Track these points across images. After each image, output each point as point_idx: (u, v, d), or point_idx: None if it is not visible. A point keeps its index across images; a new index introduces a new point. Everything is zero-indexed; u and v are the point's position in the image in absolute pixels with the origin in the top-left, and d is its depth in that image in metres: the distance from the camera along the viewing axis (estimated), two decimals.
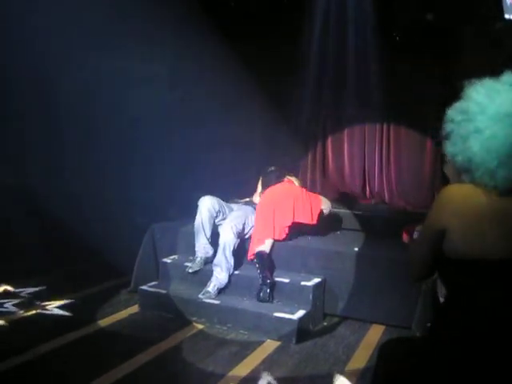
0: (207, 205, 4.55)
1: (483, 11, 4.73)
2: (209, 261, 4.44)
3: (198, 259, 4.44)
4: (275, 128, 6.25)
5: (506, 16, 1.47)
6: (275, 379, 3.19)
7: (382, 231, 4.87)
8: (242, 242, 4.52)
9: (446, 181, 2.03)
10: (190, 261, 4.49)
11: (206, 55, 5.66)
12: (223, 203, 4.71)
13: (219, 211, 4.60)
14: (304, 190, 4.83)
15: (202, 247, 4.48)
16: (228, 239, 4.33)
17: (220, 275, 4.25)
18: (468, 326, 1.55)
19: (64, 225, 5.22)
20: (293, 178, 5.06)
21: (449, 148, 1.68)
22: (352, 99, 5.86)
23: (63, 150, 5.81)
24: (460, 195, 1.63)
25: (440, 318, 1.70)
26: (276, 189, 4.77)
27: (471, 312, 1.55)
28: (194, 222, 4.59)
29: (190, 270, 4.39)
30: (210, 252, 4.47)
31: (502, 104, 1.57)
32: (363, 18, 5.51)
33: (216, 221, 4.59)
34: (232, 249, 4.32)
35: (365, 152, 6.01)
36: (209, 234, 4.51)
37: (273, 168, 5.06)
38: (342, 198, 5.92)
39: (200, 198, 4.67)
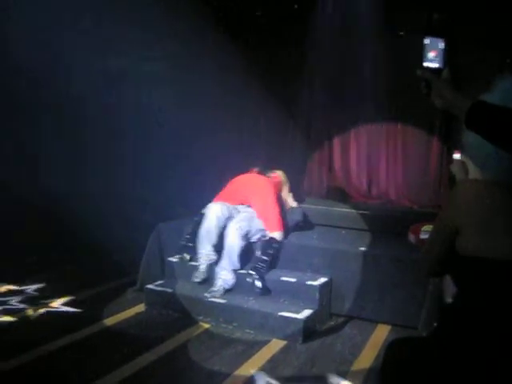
0: (216, 212, 4.47)
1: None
2: (212, 265, 4.37)
3: (202, 267, 4.35)
4: (282, 128, 6.24)
5: (425, 64, 1.49)
6: (279, 378, 3.19)
7: (388, 231, 4.85)
8: (248, 243, 4.49)
9: (452, 180, 2.01)
10: (196, 260, 4.48)
11: (216, 61, 5.66)
12: (231, 207, 4.63)
13: (228, 217, 4.51)
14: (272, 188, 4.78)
15: (205, 254, 4.38)
16: (234, 243, 4.28)
17: (226, 276, 4.24)
18: (477, 326, 1.54)
19: (71, 223, 5.25)
20: (279, 173, 5.12)
21: (468, 140, 1.64)
22: (358, 99, 5.84)
23: (74, 150, 5.84)
24: (473, 193, 1.61)
25: (448, 318, 1.69)
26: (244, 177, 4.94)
27: (481, 311, 1.54)
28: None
29: (196, 280, 4.31)
30: (214, 258, 4.38)
31: None
32: (368, 18, 5.49)
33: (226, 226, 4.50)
34: (238, 252, 4.28)
35: (371, 151, 6.00)
36: (214, 241, 4.40)
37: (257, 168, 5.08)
38: (348, 197, 5.92)
39: (205, 201, 4.67)
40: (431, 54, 1.57)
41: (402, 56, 5.44)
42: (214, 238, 4.41)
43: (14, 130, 5.32)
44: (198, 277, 4.32)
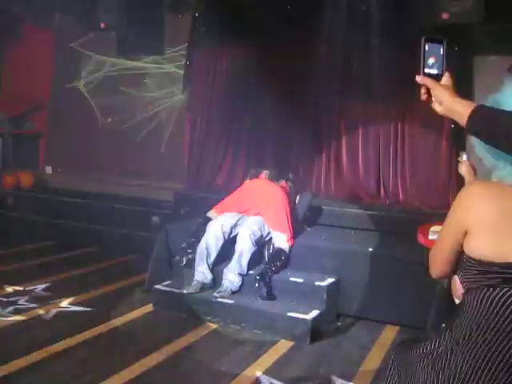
0: (215, 230, 4.38)
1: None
2: (206, 287, 4.28)
3: (195, 283, 4.26)
4: (289, 128, 6.23)
5: (424, 71, 1.49)
6: (286, 379, 3.19)
7: (396, 231, 4.84)
8: (258, 248, 4.46)
9: (460, 181, 2.00)
10: (192, 267, 4.41)
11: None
12: (236, 216, 4.55)
13: (232, 229, 4.45)
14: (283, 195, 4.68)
15: (201, 272, 4.30)
16: (245, 247, 4.27)
17: (233, 279, 4.22)
18: (485, 328, 1.54)
19: (80, 224, 5.27)
20: (289, 183, 5.01)
21: (477, 141, 1.62)
22: (367, 99, 5.83)
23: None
24: (484, 194, 1.58)
25: (456, 319, 1.69)
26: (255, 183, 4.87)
27: (490, 314, 1.53)
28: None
29: (185, 291, 4.23)
30: (209, 277, 4.31)
31: None
32: (377, 18, 5.47)
33: (231, 236, 4.46)
34: (248, 257, 4.27)
35: (379, 152, 5.97)
36: (211, 260, 4.34)
37: (267, 171, 4.97)
38: (357, 197, 5.90)
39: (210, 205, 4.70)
40: (431, 60, 1.55)
41: (411, 56, 5.43)
42: (211, 257, 4.35)
43: None
44: (189, 290, 4.22)
